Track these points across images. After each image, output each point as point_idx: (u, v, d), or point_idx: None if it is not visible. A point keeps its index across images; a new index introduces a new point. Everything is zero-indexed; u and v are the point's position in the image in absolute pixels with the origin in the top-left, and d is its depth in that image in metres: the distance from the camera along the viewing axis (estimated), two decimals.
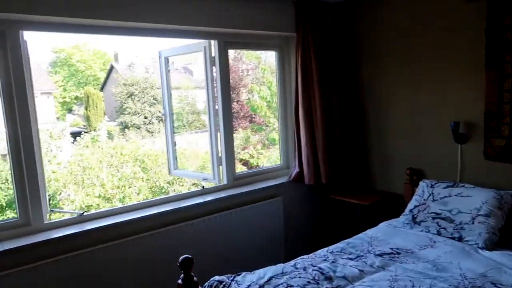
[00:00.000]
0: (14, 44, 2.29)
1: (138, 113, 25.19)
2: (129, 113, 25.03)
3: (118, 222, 2.58)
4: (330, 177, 3.41)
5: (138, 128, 25.13)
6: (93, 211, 2.89)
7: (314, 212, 3.70)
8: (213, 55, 3.15)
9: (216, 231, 2.99)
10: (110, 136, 13.59)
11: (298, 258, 2.34)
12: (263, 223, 3.26)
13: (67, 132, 10.95)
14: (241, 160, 12.38)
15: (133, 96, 25.93)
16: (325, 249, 2.47)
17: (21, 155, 2.36)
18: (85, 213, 2.61)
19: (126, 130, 19.19)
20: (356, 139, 3.68)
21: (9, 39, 2.28)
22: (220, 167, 3.33)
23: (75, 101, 43.14)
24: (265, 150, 11.81)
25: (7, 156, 2.37)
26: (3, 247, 2.20)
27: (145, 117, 25.90)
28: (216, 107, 3.25)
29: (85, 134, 11.06)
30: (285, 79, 3.65)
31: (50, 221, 2.48)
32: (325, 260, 2.28)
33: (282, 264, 2.25)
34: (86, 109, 32.71)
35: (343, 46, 3.64)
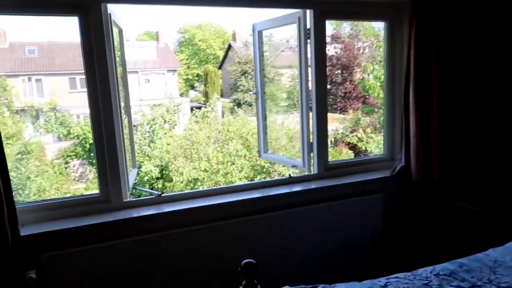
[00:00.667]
0: (96, 17, 2.22)
1: (250, 91, 25.84)
2: (242, 90, 25.84)
3: (192, 208, 2.43)
4: (443, 174, 2.78)
5: (250, 106, 25.85)
6: (170, 193, 2.81)
7: (420, 217, 3.12)
8: (308, 26, 2.75)
9: (297, 227, 2.67)
10: (222, 113, 14.04)
11: (392, 276, 1.90)
12: (354, 224, 2.83)
13: (183, 107, 11.64)
14: (348, 143, 11.71)
15: (246, 74, 26.66)
16: (429, 268, 1.96)
17: (102, 132, 2.33)
18: (163, 194, 2.52)
19: (236, 107, 19.87)
20: (491, 135, 2.94)
21: (92, 12, 2.22)
22: (311, 154, 2.96)
23: (197, 78, 46.44)
24: (376, 134, 10.93)
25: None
26: (81, 222, 2.21)
27: None
28: (310, 86, 2.87)
29: (196, 109, 11.61)
30: (395, 54, 3.07)
31: (129, 200, 2.45)
32: (426, 285, 1.80)
33: (368, 283, 1.83)
34: (205, 85, 34.89)
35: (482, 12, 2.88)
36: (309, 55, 2.79)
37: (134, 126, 13.31)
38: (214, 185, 8.58)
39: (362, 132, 11.56)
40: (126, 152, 2.58)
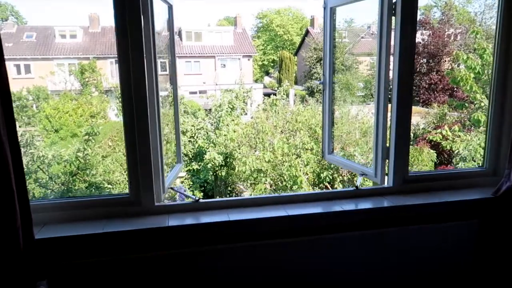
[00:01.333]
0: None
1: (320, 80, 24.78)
2: (316, 78, 24.94)
3: (231, 221, 2.01)
4: None
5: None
6: (208, 199, 2.39)
7: None
8: (393, 0, 2.14)
9: (362, 255, 2.12)
10: (294, 101, 13.48)
11: None
12: (437, 257, 2.21)
13: (253, 94, 11.31)
14: (430, 141, 10.50)
15: (321, 61, 25.44)
16: None
17: (134, 123, 1.98)
18: (200, 200, 2.13)
19: (308, 96, 19.13)
20: None
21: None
22: (387, 161, 2.37)
23: (272, 64, 46.29)
24: (465, 133, 9.64)
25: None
26: (103, 228, 1.90)
27: (333, 82, 25.31)
28: (390, 74, 2.27)
29: (266, 96, 11.21)
30: (510, 41, 2.32)
31: (161, 204, 2.09)
32: None
33: None
34: (279, 72, 34.46)
35: None
36: (392, 35, 2.19)
37: (207, 110, 13.39)
38: (278, 176, 8.17)
39: (447, 129, 10.28)
40: (167, 149, 2.23)
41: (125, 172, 6.57)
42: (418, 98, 24.10)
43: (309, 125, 8.43)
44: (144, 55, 1.94)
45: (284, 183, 7.98)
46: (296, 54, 35.37)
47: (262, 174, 7.96)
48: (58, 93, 19.97)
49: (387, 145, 2.35)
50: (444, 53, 23.23)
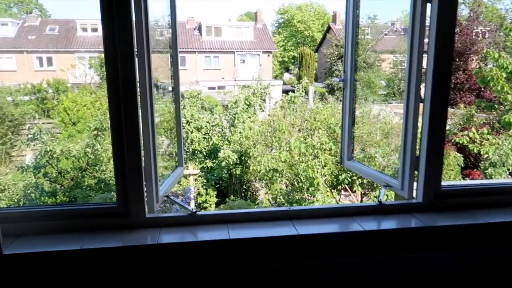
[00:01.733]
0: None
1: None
2: (337, 75, 24.37)
3: (232, 239, 1.72)
4: None
5: None
6: (206, 211, 2.09)
7: None
8: None
9: (382, 286, 1.80)
10: (313, 98, 13.10)
11: None
12: None
13: (271, 90, 10.99)
14: (456, 143, 9.96)
15: (343, 58, 24.78)
16: None
17: (121, 119, 1.72)
18: (197, 213, 1.85)
19: (327, 94, 18.66)
20: None
21: None
22: (416, 172, 2.04)
23: (292, 61, 45.82)
24: (493, 136, 9.08)
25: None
26: (82, 245, 1.64)
27: (355, 80, 24.67)
28: (424, 68, 1.94)
29: (283, 94, 10.87)
30: None
31: (152, 216, 1.82)
32: None
33: None
34: (299, 69, 33.97)
35: None
36: (427, 23, 1.85)
37: (224, 106, 13.17)
38: (294, 177, 7.86)
39: (475, 132, 9.74)
40: (162, 150, 1.96)
41: None
42: None
43: (328, 124, 8.07)
44: (135, 49, 1.67)
45: (300, 184, 7.66)
46: (317, 50, 34.78)
47: (277, 174, 7.66)
48: (78, 86, 20.14)
49: (417, 153, 2.02)
50: (472, 51, 22.29)
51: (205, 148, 8.94)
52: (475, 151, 9.02)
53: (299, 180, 7.79)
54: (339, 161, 2.75)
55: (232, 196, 9.44)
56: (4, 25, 26.38)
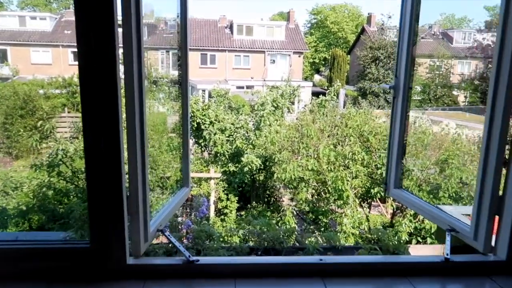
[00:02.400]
0: None
1: (380, 80, 23.28)
2: (370, 79, 23.45)
3: None
4: None
5: (376, 97, 23.40)
6: (207, 259, 1.56)
7: None
8: None
9: None
10: (344, 102, 12.39)
11: None
12: None
13: (300, 92, 10.42)
14: None
15: (377, 61, 23.99)
16: None
17: (100, 141, 1.26)
18: (196, 262, 1.38)
19: (360, 98, 17.90)
20: None
21: None
22: (496, 218, 1.49)
23: (323, 62, 44.90)
24: None
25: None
26: None
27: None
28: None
29: (313, 96, 10.29)
30: None
31: (139, 261, 1.36)
32: None
33: None
34: (330, 70, 33.09)
35: None
36: None
37: (251, 106, 12.74)
38: (320, 186, 7.29)
39: None
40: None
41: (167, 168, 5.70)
42: (484, 106, 21.81)
43: (361, 131, 7.43)
44: (116, 45, 1.22)
45: (327, 194, 7.10)
46: (349, 53, 33.80)
47: (303, 184, 7.12)
48: None
49: (500, 192, 1.47)
50: None
51: (227, 151, 8.51)
52: None
53: (326, 191, 7.23)
54: (383, 188, 2.21)
55: (254, 202, 8.96)
56: (43, 19, 27.03)
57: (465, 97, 25.18)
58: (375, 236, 6.40)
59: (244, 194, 9.34)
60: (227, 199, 8.49)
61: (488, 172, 1.48)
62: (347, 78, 32.37)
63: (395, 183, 2.11)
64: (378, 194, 6.65)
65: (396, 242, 3.75)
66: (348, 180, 6.42)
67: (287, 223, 5.96)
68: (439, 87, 23.93)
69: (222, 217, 8.56)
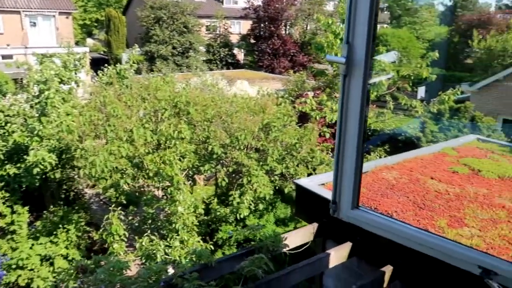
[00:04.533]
0: None
1: (166, 42, 22.31)
2: (156, 41, 22.18)
3: None
4: None
5: (165, 60, 22.48)
6: None
7: None
8: None
9: None
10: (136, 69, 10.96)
11: None
12: None
13: (85, 62, 8.49)
14: (298, 111, 9.86)
15: (160, 22, 22.73)
16: None
17: None
18: None
19: (146, 62, 16.72)
20: None
21: None
22: None
23: (95, 24, 40.49)
24: (332, 102, 9.27)
25: None
26: None
27: (174, 47, 23.04)
28: None
29: (99, 63, 8.63)
30: None
31: None
32: None
33: None
34: (106, 33, 29.94)
35: None
36: None
37: (18, 83, 9.85)
38: (138, 172, 6.19)
39: (311, 98, 9.84)
40: None
41: None
42: (262, 64, 24.12)
43: (175, 102, 6.54)
44: None
45: (149, 179, 6.10)
46: (124, 13, 31.28)
47: (119, 175, 5.86)
48: None
49: None
50: (283, 17, 23.53)
51: (1, 149, 6.17)
52: (317, 118, 9.07)
53: (145, 176, 6.20)
54: (331, 211, 1.49)
55: (51, 207, 7.05)
56: None
57: (245, 55, 27.24)
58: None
59: (35, 199, 7.26)
60: (12, 212, 6.36)
61: None
62: (126, 41, 30.07)
63: (353, 201, 1.43)
64: (209, 171, 6.07)
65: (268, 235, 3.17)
66: (175, 161, 5.53)
67: (114, 232, 4.73)
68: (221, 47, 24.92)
69: (9, 236, 6.43)
